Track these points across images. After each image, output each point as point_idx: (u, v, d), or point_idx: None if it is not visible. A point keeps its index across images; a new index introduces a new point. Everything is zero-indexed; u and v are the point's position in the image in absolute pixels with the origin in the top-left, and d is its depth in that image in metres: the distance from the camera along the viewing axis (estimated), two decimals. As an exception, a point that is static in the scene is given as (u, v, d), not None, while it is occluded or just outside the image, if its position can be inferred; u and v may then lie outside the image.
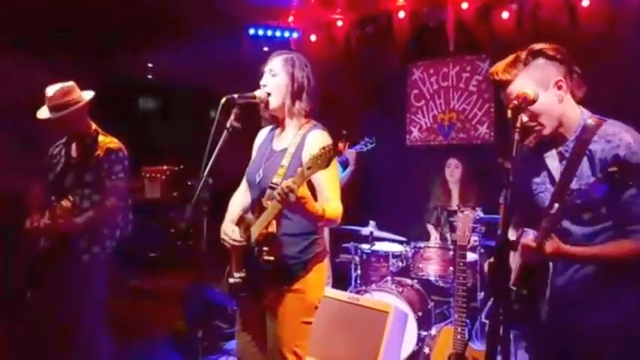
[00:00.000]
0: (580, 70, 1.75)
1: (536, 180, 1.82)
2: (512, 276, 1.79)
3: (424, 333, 3.52)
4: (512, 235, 1.95)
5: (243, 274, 2.09)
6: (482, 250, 3.79)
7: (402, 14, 5.09)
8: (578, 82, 1.74)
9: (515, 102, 1.56)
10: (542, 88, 1.66)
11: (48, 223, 2.72)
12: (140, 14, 5.00)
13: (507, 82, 1.71)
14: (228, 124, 1.87)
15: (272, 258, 1.99)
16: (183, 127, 7.70)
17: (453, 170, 4.47)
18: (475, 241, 3.69)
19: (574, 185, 1.66)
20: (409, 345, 3.48)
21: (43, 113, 2.82)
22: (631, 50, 4.07)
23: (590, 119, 1.69)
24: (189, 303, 4.14)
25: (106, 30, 5.22)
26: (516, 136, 1.48)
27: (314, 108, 2.16)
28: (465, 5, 4.81)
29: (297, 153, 2.07)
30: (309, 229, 2.09)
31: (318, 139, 2.06)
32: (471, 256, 3.61)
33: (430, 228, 4.53)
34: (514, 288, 1.74)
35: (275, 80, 2.12)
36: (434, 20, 5.02)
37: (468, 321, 2.75)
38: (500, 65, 1.74)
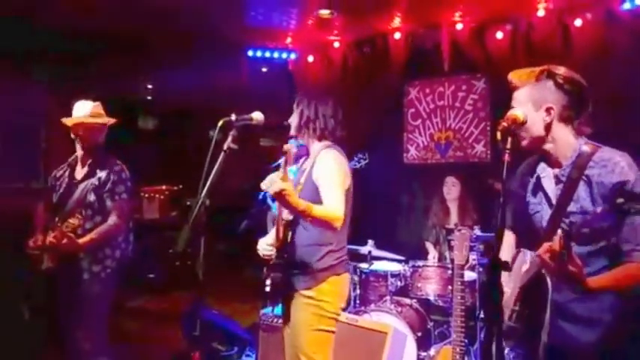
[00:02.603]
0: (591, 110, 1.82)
1: (533, 200, 1.89)
2: (511, 297, 1.80)
3: (424, 353, 3.49)
4: (506, 255, 1.97)
5: (269, 282, 2.31)
6: (480, 269, 3.79)
7: (397, 35, 5.17)
8: (586, 120, 1.81)
9: (505, 124, 1.60)
10: (534, 106, 1.77)
11: (52, 241, 2.75)
12: (140, 35, 5.07)
13: (515, 88, 1.84)
14: (225, 146, 1.90)
15: (280, 262, 2.25)
16: (182, 147, 7.75)
17: (450, 188, 4.50)
18: (474, 259, 3.69)
19: (571, 208, 1.73)
20: (409, 365, 3.45)
21: (82, 116, 2.94)
22: (624, 70, 4.12)
23: (586, 146, 1.76)
24: (188, 324, 4.11)
25: (106, 51, 5.28)
26: (506, 157, 1.51)
27: (332, 130, 2.41)
28: (459, 26, 4.89)
29: (310, 171, 2.34)
30: (323, 240, 2.27)
31: (323, 157, 2.33)
32: (470, 275, 3.60)
33: (429, 246, 4.53)
34: (516, 308, 1.76)
35: (292, 117, 2.48)
36: (429, 41, 5.08)
37: (466, 341, 2.73)
38: (520, 71, 1.86)
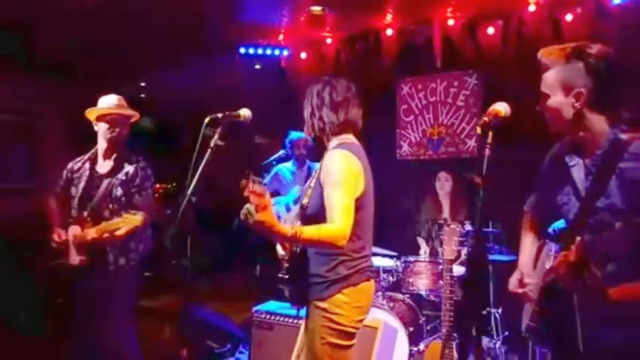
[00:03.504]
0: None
1: (562, 191, 1.75)
2: (534, 294, 1.72)
3: (415, 348, 3.51)
4: (533, 245, 1.89)
5: (286, 288, 2.18)
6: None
7: (389, 32, 5.17)
8: (624, 104, 1.66)
9: (486, 118, 1.57)
10: (564, 91, 1.65)
11: (95, 237, 2.77)
12: (134, 34, 5.06)
13: (546, 68, 1.70)
14: (212, 143, 1.89)
15: (286, 276, 2.10)
16: (176, 145, 7.72)
17: (443, 184, 4.51)
18: (465, 254, 3.70)
19: (600, 203, 1.58)
20: (401, 360, 3.47)
21: (107, 107, 2.96)
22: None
23: (622, 133, 1.60)
24: (182, 322, 4.13)
25: (99, 48, 5.27)
26: (487, 152, 1.49)
27: (340, 121, 2.17)
28: (451, 22, 4.90)
29: (319, 174, 2.11)
30: (333, 249, 2.03)
31: (328, 159, 2.09)
32: (460, 270, 3.62)
33: (421, 241, 4.53)
34: (537, 309, 1.70)
35: (304, 113, 2.25)
36: (421, 37, 5.09)
37: (455, 335, 2.75)
38: (550, 49, 1.71)
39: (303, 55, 5.81)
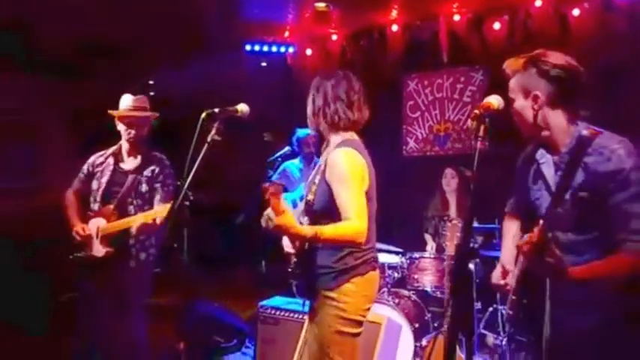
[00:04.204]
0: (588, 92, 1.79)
1: (534, 187, 1.88)
2: (512, 286, 1.79)
3: (420, 344, 3.50)
4: (513, 242, 1.97)
5: (295, 282, 2.25)
6: (477, 260, 3.79)
7: (395, 27, 5.16)
8: (582, 104, 1.79)
9: (478, 111, 1.58)
10: (523, 94, 1.80)
11: (144, 222, 2.83)
12: (140, 32, 5.10)
13: (509, 77, 1.86)
14: (209, 138, 1.90)
15: (298, 272, 2.14)
16: (181, 142, 7.77)
17: (450, 180, 4.49)
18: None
19: (568, 196, 1.67)
20: (406, 357, 3.45)
21: (125, 108, 3.02)
22: (622, 58, 4.09)
23: (586, 130, 1.69)
24: (188, 318, 4.15)
25: (104, 47, 5.31)
26: (478, 145, 1.50)
27: (346, 116, 2.18)
28: (457, 17, 4.88)
29: (323, 170, 2.13)
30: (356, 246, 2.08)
31: (334, 157, 2.10)
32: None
33: (427, 237, 4.53)
34: (514, 297, 1.75)
35: (312, 105, 2.24)
36: (427, 33, 5.08)
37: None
38: (511, 60, 1.86)
39: (309, 52, 5.82)
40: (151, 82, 7.52)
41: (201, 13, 4.75)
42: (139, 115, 3.07)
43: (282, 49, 5.85)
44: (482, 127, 1.54)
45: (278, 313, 3.50)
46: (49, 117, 5.93)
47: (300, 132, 4.45)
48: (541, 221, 1.58)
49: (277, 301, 3.64)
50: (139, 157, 3.10)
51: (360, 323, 2.16)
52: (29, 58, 5.18)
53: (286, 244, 2.24)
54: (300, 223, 2.04)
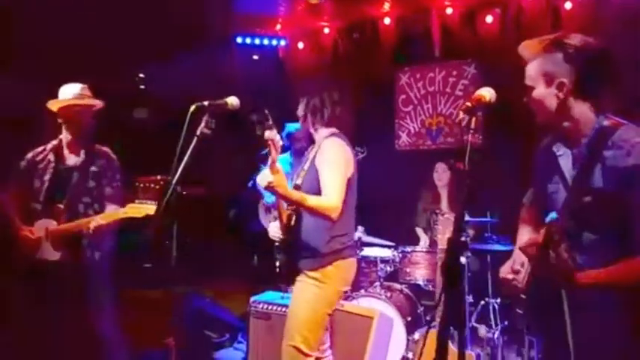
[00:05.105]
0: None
1: (551, 181, 1.75)
2: (523, 282, 1.72)
3: (412, 338, 3.51)
4: (528, 234, 1.87)
5: (279, 262, 2.44)
6: (469, 254, 3.78)
7: (387, 21, 5.14)
8: (611, 93, 1.65)
9: (469, 104, 1.53)
10: (546, 82, 1.64)
11: (103, 223, 2.69)
12: (130, 25, 5.04)
13: (526, 60, 1.70)
14: (198, 131, 1.87)
15: (284, 245, 2.38)
16: (175, 137, 7.72)
17: (441, 175, 4.49)
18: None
19: (584, 192, 1.58)
20: (398, 350, 3.47)
21: (68, 98, 2.82)
22: (614, 52, 4.08)
23: (607, 121, 1.60)
24: (179, 313, 4.13)
25: (97, 40, 5.25)
26: (469, 138, 1.46)
27: (339, 116, 2.44)
28: (449, 10, 4.86)
29: (313, 158, 2.39)
30: (328, 225, 2.30)
31: (326, 144, 2.36)
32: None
33: (420, 232, 4.54)
34: (523, 297, 1.69)
35: (300, 107, 2.51)
36: (419, 26, 5.07)
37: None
38: (529, 42, 1.70)
39: (301, 45, 5.78)
40: (141, 76, 7.47)
41: (192, 4, 4.71)
42: (88, 103, 2.86)
43: (274, 43, 5.80)
44: (473, 120, 1.48)
45: (270, 307, 3.48)
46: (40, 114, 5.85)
47: (290, 127, 4.42)
48: (547, 219, 1.49)
49: (269, 295, 3.63)
50: (82, 153, 2.88)
51: (334, 304, 2.40)
52: (12, 54, 5.09)
53: (272, 233, 2.47)
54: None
